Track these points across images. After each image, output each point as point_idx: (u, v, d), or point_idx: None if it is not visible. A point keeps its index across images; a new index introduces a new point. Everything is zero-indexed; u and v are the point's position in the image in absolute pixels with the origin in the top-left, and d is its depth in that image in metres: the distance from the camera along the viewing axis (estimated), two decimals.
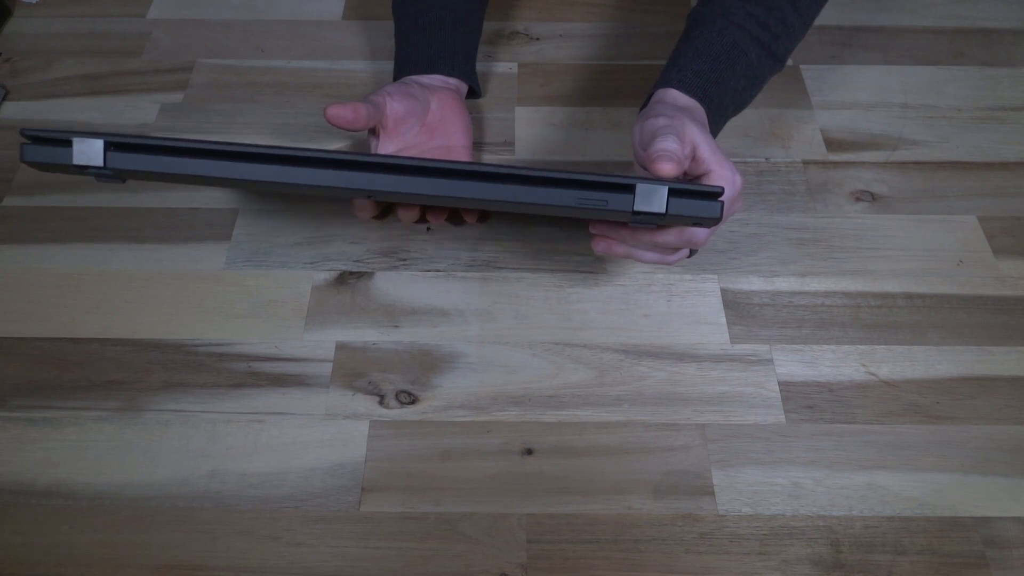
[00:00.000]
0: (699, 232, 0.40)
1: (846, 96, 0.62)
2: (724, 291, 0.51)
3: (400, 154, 0.50)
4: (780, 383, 0.48)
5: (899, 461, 0.45)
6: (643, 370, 0.48)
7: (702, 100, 0.45)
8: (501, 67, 0.65)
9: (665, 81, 0.46)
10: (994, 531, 0.43)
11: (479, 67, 0.62)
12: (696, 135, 0.39)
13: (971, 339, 0.49)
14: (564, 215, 0.41)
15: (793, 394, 0.47)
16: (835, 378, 0.48)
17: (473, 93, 0.56)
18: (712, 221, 0.35)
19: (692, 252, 0.45)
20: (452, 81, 0.53)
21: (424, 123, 0.50)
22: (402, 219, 0.51)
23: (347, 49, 0.66)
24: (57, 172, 0.38)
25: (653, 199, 0.34)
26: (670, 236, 0.40)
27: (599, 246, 0.44)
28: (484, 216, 0.53)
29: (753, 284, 0.52)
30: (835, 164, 0.58)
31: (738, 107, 0.49)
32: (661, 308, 0.51)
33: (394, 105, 0.47)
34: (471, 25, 0.56)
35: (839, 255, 0.53)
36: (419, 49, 0.53)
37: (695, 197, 0.34)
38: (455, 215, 0.53)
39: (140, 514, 0.43)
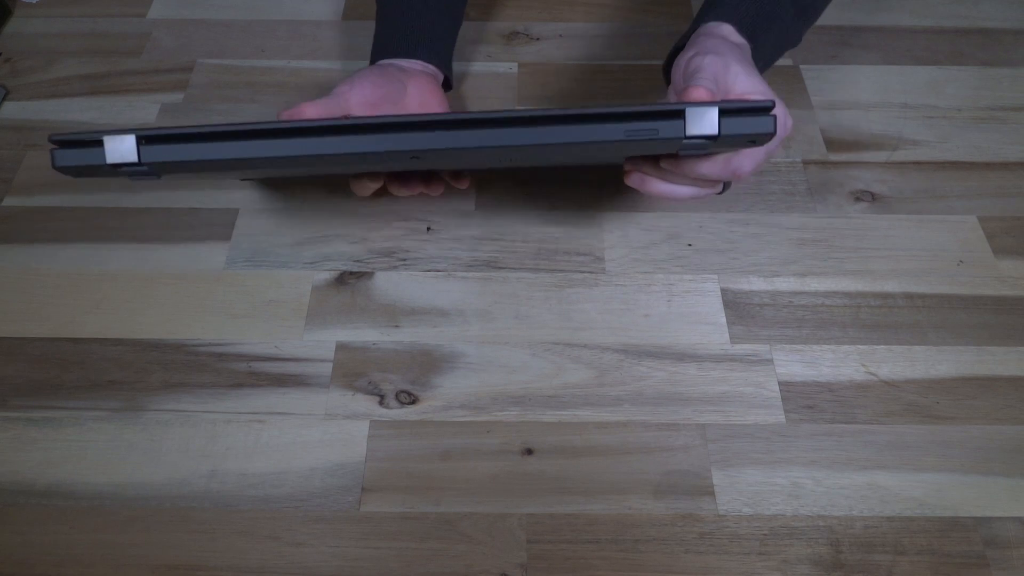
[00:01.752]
0: (744, 162, 0.39)
1: (846, 96, 0.62)
2: (724, 291, 0.51)
3: None
4: (780, 383, 0.48)
5: (899, 461, 0.45)
6: (643, 370, 0.48)
7: (750, 39, 0.44)
8: (501, 67, 0.65)
9: (716, 15, 0.44)
10: (994, 531, 0.43)
11: (479, 67, 0.62)
12: (740, 76, 0.38)
13: (971, 339, 0.49)
14: (611, 156, 0.39)
15: (793, 394, 0.47)
16: (835, 378, 0.48)
17: (447, 84, 0.55)
18: (766, 137, 0.34)
19: (725, 188, 0.44)
20: (430, 68, 0.52)
21: (399, 106, 0.48)
22: (396, 193, 0.49)
23: (347, 49, 0.66)
24: (90, 176, 0.36)
25: (704, 122, 0.33)
26: (715, 167, 0.39)
27: (633, 179, 0.42)
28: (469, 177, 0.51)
29: (753, 284, 0.52)
30: (835, 164, 0.58)
31: (763, 68, 0.47)
32: (661, 308, 0.51)
33: (364, 93, 0.46)
34: (454, 14, 0.55)
35: (839, 255, 0.53)
36: (400, 32, 0.52)
37: (746, 114, 0.33)
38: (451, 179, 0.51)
39: (140, 514, 0.43)
